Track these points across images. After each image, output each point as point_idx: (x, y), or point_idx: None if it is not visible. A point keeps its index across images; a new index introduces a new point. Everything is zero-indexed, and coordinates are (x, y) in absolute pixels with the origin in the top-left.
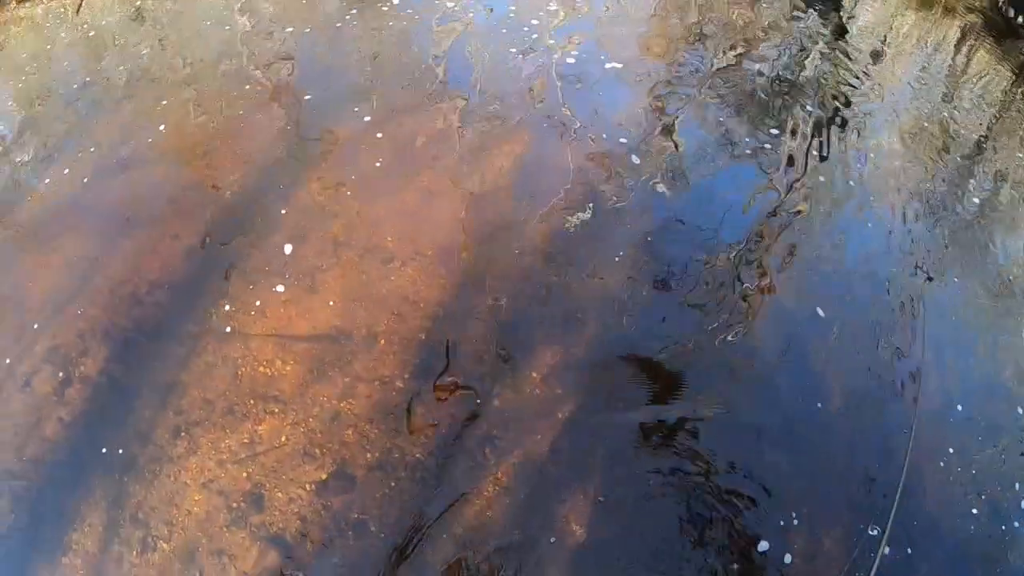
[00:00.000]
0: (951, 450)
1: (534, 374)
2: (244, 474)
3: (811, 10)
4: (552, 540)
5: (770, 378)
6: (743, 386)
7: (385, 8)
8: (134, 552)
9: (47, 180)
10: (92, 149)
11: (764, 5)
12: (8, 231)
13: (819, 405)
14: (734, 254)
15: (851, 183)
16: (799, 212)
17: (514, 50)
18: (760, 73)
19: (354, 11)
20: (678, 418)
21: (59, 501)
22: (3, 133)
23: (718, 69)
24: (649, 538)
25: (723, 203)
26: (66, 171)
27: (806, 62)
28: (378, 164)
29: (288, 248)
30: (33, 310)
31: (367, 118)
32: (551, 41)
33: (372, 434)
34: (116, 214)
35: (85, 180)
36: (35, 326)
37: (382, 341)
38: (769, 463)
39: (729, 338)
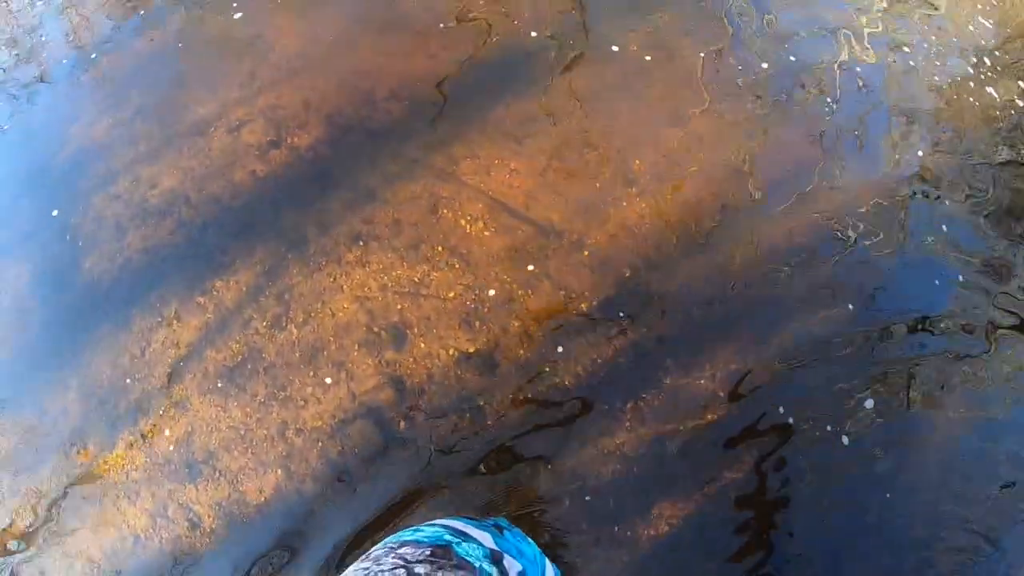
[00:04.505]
0: None
1: (708, 364)
2: (399, 307)
3: None
4: (635, 530)
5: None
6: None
7: None
8: (264, 323)
9: None
10: None
11: None
12: None
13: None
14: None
15: None
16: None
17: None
18: None
19: None
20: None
21: (218, 244)
22: None
23: (995, 159)
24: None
25: (926, 284)
26: None
27: None
28: (654, 85)
29: (538, 123)
30: (270, 64)
31: (665, 44)
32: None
33: (535, 335)
34: (385, 12)
35: None
36: (266, 79)
37: (586, 254)
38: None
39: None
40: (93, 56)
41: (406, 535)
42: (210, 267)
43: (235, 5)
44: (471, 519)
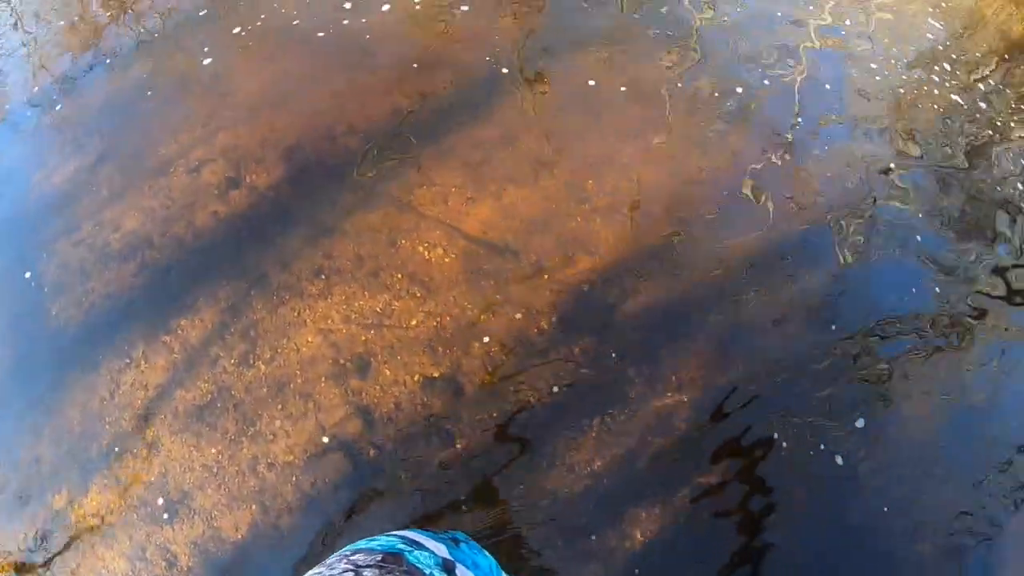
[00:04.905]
0: None
1: (673, 377)
2: (363, 338)
3: None
4: (609, 545)
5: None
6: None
7: None
8: (231, 360)
9: None
10: None
11: None
12: (241, 28)
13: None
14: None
15: None
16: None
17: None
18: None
19: None
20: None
21: (182, 285)
22: None
23: (959, 160)
24: None
25: (898, 287)
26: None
27: None
28: (606, 106)
29: (492, 148)
30: (231, 103)
31: (613, 62)
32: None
33: (498, 358)
34: (344, 53)
35: (331, 11)
36: (225, 117)
37: (545, 277)
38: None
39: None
40: (58, 107)
41: (361, 544)
42: (173, 306)
43: (206, 50)
44: (428, 531)
